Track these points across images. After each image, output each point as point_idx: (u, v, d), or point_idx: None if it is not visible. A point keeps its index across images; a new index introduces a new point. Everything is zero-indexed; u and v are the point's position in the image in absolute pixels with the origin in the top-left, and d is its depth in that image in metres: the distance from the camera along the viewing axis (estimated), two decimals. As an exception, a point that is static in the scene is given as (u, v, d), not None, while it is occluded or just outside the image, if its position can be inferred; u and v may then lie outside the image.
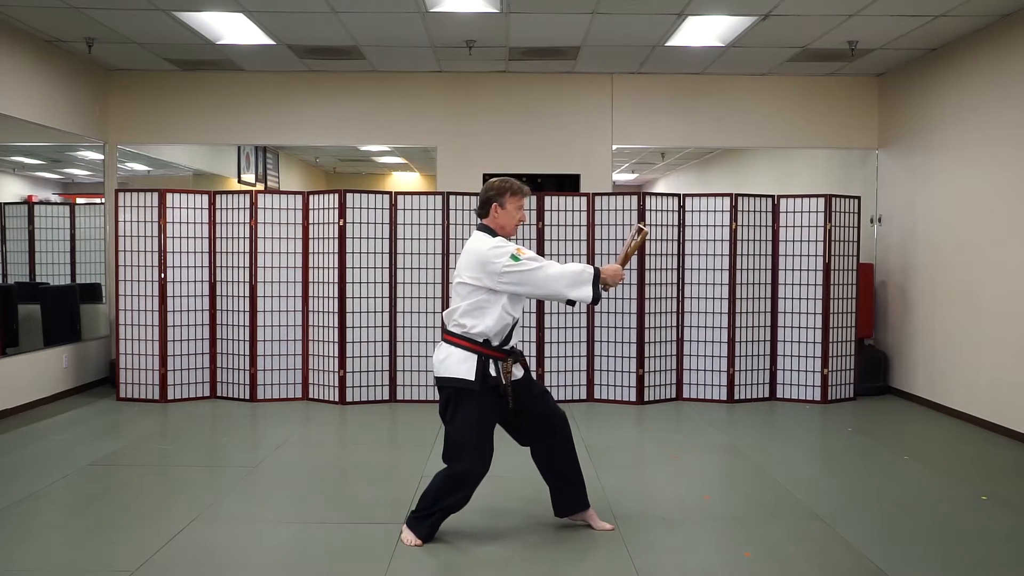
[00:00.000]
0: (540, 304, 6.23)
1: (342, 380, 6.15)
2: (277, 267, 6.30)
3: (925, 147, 6.40)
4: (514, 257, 3.12)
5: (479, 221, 3.35)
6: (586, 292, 3.11)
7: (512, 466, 4.56)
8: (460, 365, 3.18)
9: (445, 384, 3.24)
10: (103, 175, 7.01)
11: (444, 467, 3.29)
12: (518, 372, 3.30)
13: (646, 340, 6.21)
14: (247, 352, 6.28)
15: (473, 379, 3.16)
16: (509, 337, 3.26)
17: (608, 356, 6.29)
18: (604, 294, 3.18)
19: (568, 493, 3.46)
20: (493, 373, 3.20)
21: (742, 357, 6.34)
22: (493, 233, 3.28)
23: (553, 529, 3.50)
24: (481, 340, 3.19)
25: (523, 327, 6.28)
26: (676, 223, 6.35)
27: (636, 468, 4.62)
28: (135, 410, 5.95)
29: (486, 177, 7.11)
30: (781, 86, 7.16)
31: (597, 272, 3.13)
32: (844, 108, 7.17)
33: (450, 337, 3.25)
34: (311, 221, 6.31)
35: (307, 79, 7.10)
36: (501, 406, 3.24)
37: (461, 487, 3.25)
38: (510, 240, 3.30)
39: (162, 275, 6.21)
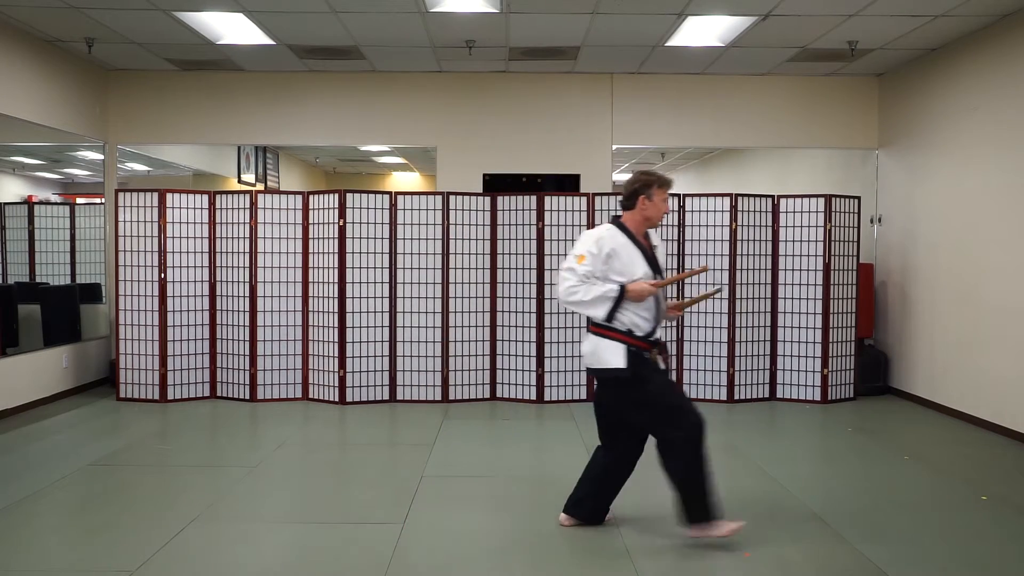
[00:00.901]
0: (540, 304, 6.23)
1: (342, 380, 6.15)
2: (277, 267, 6.30)
3: (925, 147, 6.40)
4: (576, 257, 3.25)
5: (618, 211, 3.42)
6: (601, 312, 3.22)
7: (513, 466, 4.57)
8: (611, 355, 3.24)
9: (602, 376, 3.29)
10: (103, 175, 7.01)
11: (668, 449, 3.24)
12: (661, 365, 3.37)
13: (646, 340, 6.20)
14: (247, 352, 6.28)
15: (626, 367, 3.22)
16: (654, 329, 3.32)
17: (608, 356, 6.28)
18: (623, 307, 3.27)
19: (594, 505, 3.51)
20: (646, 357, 3.29)
21: (742, 357, 6.34)
22: (621, 227, 3.33)
23: (554, 529, 3.50)
24: (624, 330, 3.25)
25: (523, 327, 6.28)
26: (676, 223, 6.35)
27: (636, 467, 4.60)
28: (135, 410, 5.96)
29: (486, 177, 7.14)
30: (781, 86, 7.16)
31: (622, 292, 3.22)
32: (844, 108, 7.17)
33: (595, 328, 3.29)
34: (311, 221, 6.31)
35: (307, 79, 7.10)
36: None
37: (699, 441, 3.21)
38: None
39: (162, 275, 6.21)
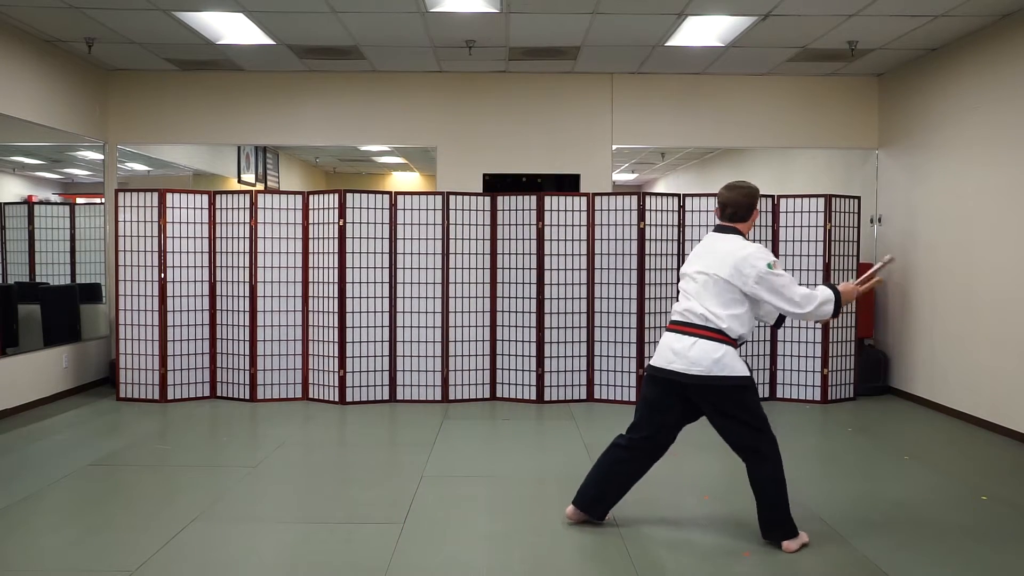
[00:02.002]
0: (540, 304, 6.23)
1: (342, 380, 6.16)
2: (277, 267, 6.31)
3: (925, 147, 6.40)
4: (769, 266, 3.21)
5: (727, 224, 3.37)
6: (828, 309, 3.24)
7: (513, 466, 4.57)
8: (738, 362, 3.23)
9: (727, 383, 3.20)
10: (103, 175, 7.01)
11: (761, 457, 3.25)
12: None
13: (646, 340, 6.21)
14: (247, 352, 6.28)
15: (748, 374, 3.25)
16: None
17: (608, 356, 6.29)
18: (843, 310, 3.29)
19: (611, 502, 3.51)
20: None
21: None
22: (744, 237, 3.35)
23: (554, 530, 3.50)
24: (736, 337, 3.26)
25: (523, 327, 6.28)
26: (676, 223, 6.36)
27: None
28: (135, 410, 5.96)
29: (486, 177, 7.13)
30: (781, 86, 7.16)
31: (838, 295, 3.26)
32: (844, 108, 7.17)
33: (714, 334, 3.22)
34: (311, 221, 6.31)
35: (307, 79, 7.10)
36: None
37: (778, 452, 3.30)
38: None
39: (162, 275, 6.21)
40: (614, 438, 3.51)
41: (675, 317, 3.35)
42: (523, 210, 6.30)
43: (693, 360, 3.21)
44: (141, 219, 6.22)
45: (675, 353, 3.25)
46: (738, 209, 3.36)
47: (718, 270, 3.23)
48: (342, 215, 6.12)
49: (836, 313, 3.26)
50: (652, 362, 3.36)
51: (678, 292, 3.44)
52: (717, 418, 3.30)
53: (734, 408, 3.26)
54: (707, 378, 3.20)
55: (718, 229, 3.40)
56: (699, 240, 6.30)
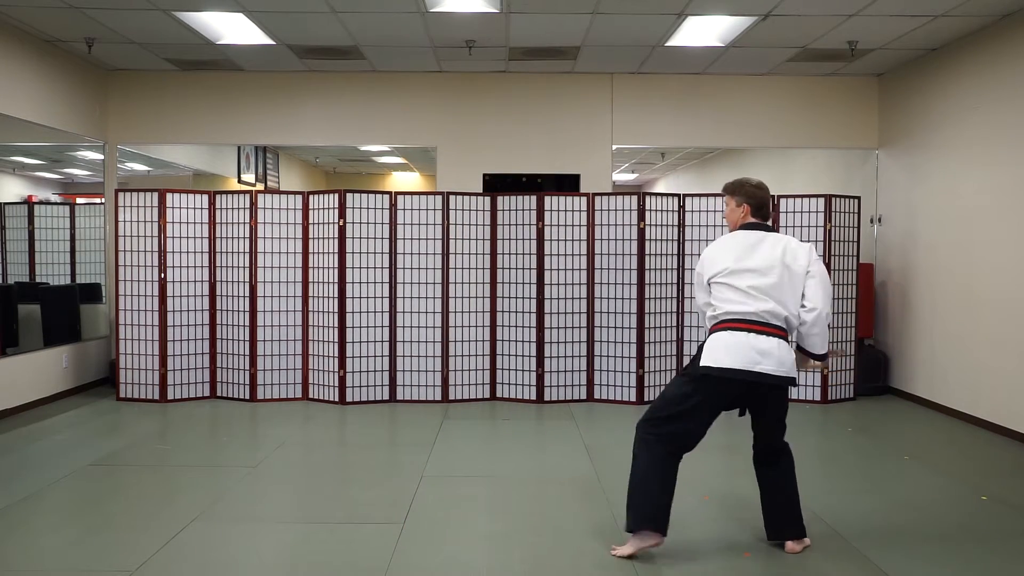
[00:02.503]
0: (540, 304, 6.23)
1: (342, 380, 6.16)
2: (277, 267, 6.31)
3: (925, 147, 6.40)
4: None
5: (764, 222, 3.31)
6: (823, 340, 3.28)
7: (513, 466, 4.57)
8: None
9: (789, 383, 3.23)
10: (103, 175, 7.01)
11: (789, 457, 3.41)
12: None
13: (646, 340, 6.21)
14: (247, 352, 6.28)
15: None
16: None
17: (608, 356, 6.29)
18: (824, 361, 3.35)
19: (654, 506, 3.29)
20: None
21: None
22: None
23: (553, 531, 3.50)
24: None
25: (523, 327, 6.28)
26: (676, 223, 6.35)
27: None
28: (135, 410, 5.96)
29: (486, 177, 7.13)
30: (781, 86, 7.16)
31: (828, 351, 3.32)
32: (844, 108, 7.17)
33: (786, 335, 3.23)
34: (311, 221, 6.31)
35: (307, 79, 7.10)
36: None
37: None
38: None
39: (162, 275, 6.21)
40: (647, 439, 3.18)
41: (749, 317, 3.12)
42: (523, 210, 6.30)
43: (781, 360, 3.14)
44: (141, 219, 6.22)
45: (762, 353, 3.09)
46: (769, 210, 3.36)
47: (798, 262, 3.18)
48: (342, 215, 6.12)
49: (819, 355, 3.29)
50: (725, 364, 3.07)
51: (711, 288, 3.25)
52: (774, 418, 3.31)
53: (785, 408, 3.32)
54: (788, 379, 3.17)
55: (758, 227, 3.26)
56: (699, 240, 6.33)
